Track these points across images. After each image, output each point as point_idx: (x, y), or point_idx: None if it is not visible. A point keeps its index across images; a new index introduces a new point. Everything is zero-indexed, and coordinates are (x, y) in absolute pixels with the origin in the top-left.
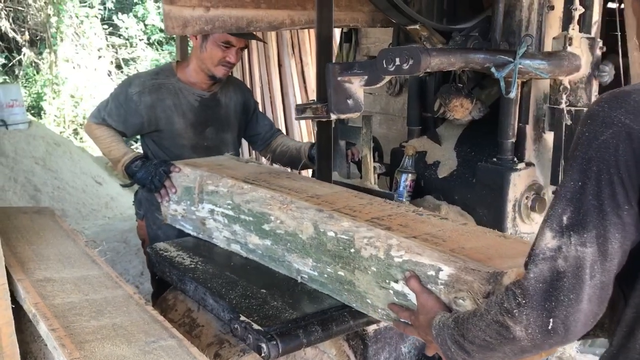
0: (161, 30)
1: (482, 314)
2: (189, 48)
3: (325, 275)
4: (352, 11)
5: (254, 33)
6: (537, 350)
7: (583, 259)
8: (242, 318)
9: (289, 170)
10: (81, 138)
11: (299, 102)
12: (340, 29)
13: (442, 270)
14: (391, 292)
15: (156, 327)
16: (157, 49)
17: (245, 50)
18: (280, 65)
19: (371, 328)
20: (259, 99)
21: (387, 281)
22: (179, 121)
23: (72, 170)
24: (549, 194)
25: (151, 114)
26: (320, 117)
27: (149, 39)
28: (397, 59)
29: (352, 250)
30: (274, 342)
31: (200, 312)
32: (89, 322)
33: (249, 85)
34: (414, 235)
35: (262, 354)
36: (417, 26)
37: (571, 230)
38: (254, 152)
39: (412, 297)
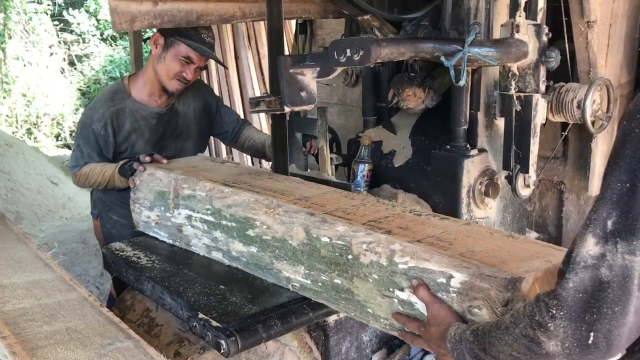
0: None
1: (507, 326)
2: (143, 45)
3: (320, 284)
4: (303, 3)
5: (215, 56)
6: None
7: (631, 268)
8: (201, 315)
9: (268, 169)
10: (35, 138)
11: (258, 94)
12: (295, 20)
13: (453, 277)
14: (395, 301)
15: (112, 329)
16: (110, 45)
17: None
18: (237, 58)
19: (332, 319)
20: (216, 93)
21: (391, 289)
22: (139, 142)
23: (25, 172)
24: (502, 179)
25: (116, 140)
26: (274, 110)
27: (102, 34)
28: (348, 50)
29: (350, 256)
30: (233, 338)
31: (159, 312)
32: (42, 327)
33: (205, 80)
34: (418, 238)
35: (222, 351)
36: (368, 17)
37: (617, 237)
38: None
39: (419, 306)
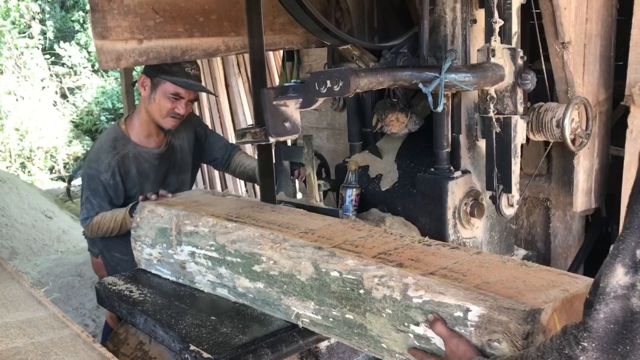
0: None
1: None
2: (134, 74)
3: (331, 319)
4: (286, 34)
5: (204, 86)
6: None
7: None
8: (192, 347)
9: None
10: (29, 172)
11: (249, 120)
12: None
13: (470, 311)
14: (411, 335)
15: None
16: (102, 76)
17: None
18: (227, 86)
19: (323, 345)
20: (207, 121)
21: (406, 324)
22: (146, 185)
23: (19, 206)
24: (486, 199)
25: (125, 187)
26: (260, 141)
27: (93, 66)
28: (328, 82)
29: (362, 291)
30: None
31: (152, 344)
32: None
33: (197, 109)
34: (430, 271)
35: None
36: (348, 46)
37: None
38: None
39: (436, 340)
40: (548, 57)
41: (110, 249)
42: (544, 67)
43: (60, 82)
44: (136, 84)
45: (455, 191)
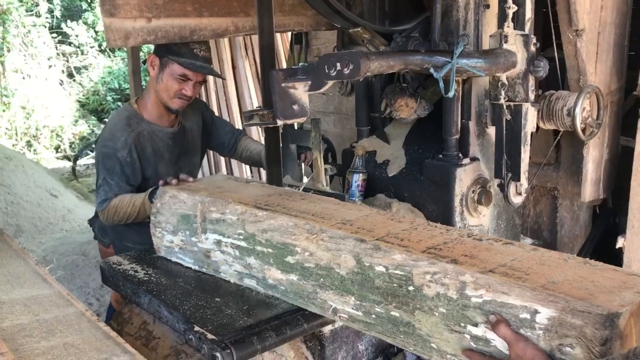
0: None
1: None
2: (141, 54)
3: (373, 316)
4: (296, 15)
5: (213, 67)
6: None
7: None
8: (197, 328)
9: (298, 190)
10: (35, 150)
11: (255, 103)
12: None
13: (539, 313)
14: (467, 336)
15: (109, 344)
16: (109, 56)
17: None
18: (234, 68)
19: (327, 329)
20: (214, 104)
21: (462, 324)
22: (161, 165)
23: (25, 184)
24: (494, 187)
25: (142, 165)
26: (267, 124)
27: (100, 45)
28: (338, 64)
29: (411, 288)
30: (228, 351)
31: (156, 324)
32: (39, 343)
33: (203, 91)
34: (489, 268)
35: None
36: (359, 29)
37: None
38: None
39: (497, 343)
40: (560, 45)
41: (123, 238)
42: (556, 54)
43: (67, 61)
44: (146, 63)
45: (463, 178)
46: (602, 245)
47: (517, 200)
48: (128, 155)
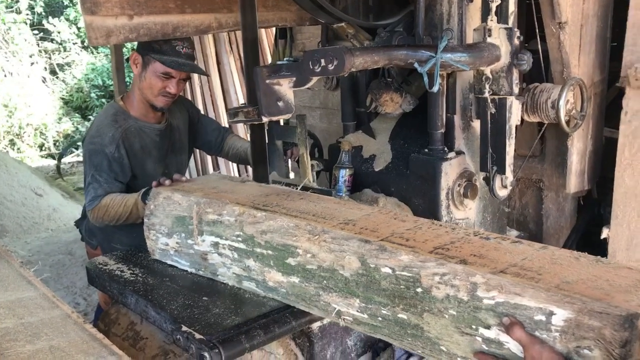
0: None
1: None
2: (124, 50)
3: (380, 319)
4: (279, 11)
5: (196, 64)
6: None
7: None
8: (184, 328)
9: (296, 189)
10: (18, 149)
11: (241, 99)
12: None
13: (555, 314)
14: (479, 339)
15: (95, 346)
16: (92, 53)
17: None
18: (219, 64)
19: (316, 325)
20: (199, 100)
21: (474, 327)
22: (148, 161)
23: (9, 184)
24: (480, 180)
25: (130, 162)
26: (252, 120)
27: (83, 42)
28: (322, 60)
29: (419, 289)
30: (216, 350)
31: (144, 325)
32: (25, 347)
33: (187, 87)
34: (500, 269)
35: None
36: (343, 24)
37: None
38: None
39: (511, 345)
40: (544, 38)
41: (111, 240)
42: (539, 47)
43: (50, 58)
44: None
45: (449, 172)
46: (588, 236)
47: (502, 193)
48: (116, 151)
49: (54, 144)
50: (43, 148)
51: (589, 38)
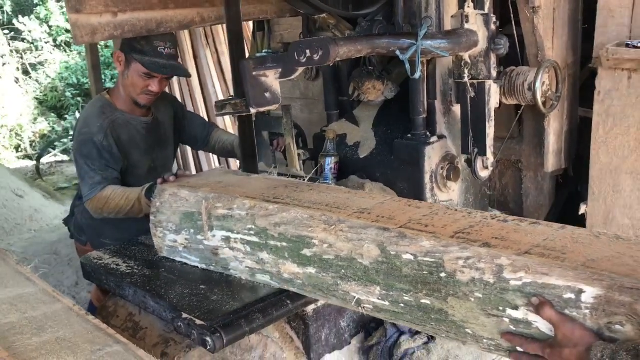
0: (67, 31)
1: None
2: (99, 49)
3: (402, 305)
4: (260, 4)
5: (178, 65)
6: None
7: None
8: (185, 315)
9: (304, 180)
10: None
11: (219, 91)
12: None
13: (584, 292)
14: (506, 320)
15: (100, 336)
16: (65, 51)
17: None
18: (195, 57)
19: (310, 308)
20: (177, 94)
21: (501, 308)
22: (135, 153)
23: None
24: (462, 162)
25: (119, 152)
26: (240, 112)
27: (55, 40)
28: (308, 51)
29: (443, 274)
30: (218, 335)
31: (142, 315)
32: (31, 339)
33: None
34: (524, 250)
35: (208, 347)
36: (324, 15)
37: None
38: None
39: (540, 325)
40: (519, 22)
41: (100, 235)
42: (514, 31)
43: (22, 58)
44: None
45: (432, 156)
46: (566, 213)
47: (484, 174)
48: (104, 139)
49: (31, 145)
50: (19, 149)
51: (562, 21)
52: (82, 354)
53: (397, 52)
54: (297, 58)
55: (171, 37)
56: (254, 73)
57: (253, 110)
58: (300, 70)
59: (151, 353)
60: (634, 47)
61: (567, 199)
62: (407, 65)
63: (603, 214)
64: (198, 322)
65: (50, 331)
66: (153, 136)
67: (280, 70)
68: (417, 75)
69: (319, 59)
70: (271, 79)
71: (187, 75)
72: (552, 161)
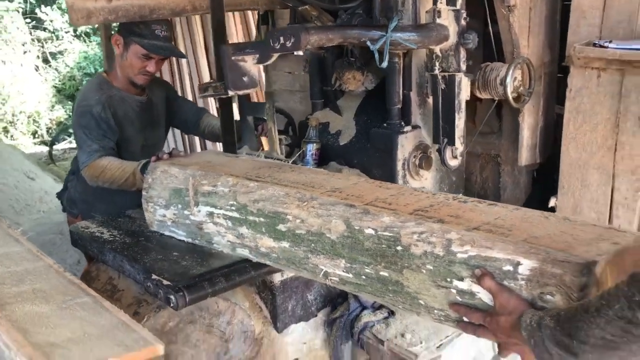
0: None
1: (598, 309)
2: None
3: (363, 277)
4: None
5: (174, 47)
6: None
7: None
8: (154, 277)
9: (289, 161)
10: (12, 136)
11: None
12: (257, 11)
13: (521, 264)
14: (453, 291)
15: (73, 289)
16: (84, 41)
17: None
18: (207, 50)
19: (277, 279)
20: (187, 86)
21: (448, 280)
22: (129, 129)
23: (2, 168)
24: (435, 152)
25: (115, 125)
26: (220, 94)
27: (75, 30)
28: (282, 38)
29: (399, 247)
30: (181, 294)
31: (121, 279)
32: (11, 289)
33: (176, 74)
34: (473, 226)
35: (171, 305)
36: (307, 7)
37: None
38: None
39: (482, 295)
40: (497, 20)
41: (91, 209)
42: (490, 29)
43: (42, 46)
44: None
45: (405, 144)
46: (543, 206)
47: (453, 163)
48: (102, 111)
49: (47, 132)
50: (36, 135)
51: (538, 20)
52: (55, 302)
53: (368, 43)
54: (272, 44)
55: (166, 21)
56: (233, 58)
57: (231, 93)
58: (276, 56)
59: (125, 312)
60: (600, 46)
61: (543, 193)
62: (376, 55)
63: (571, 207)
64: (165, 282)
65: (29, 283)
66: (146, 115)
67: (257, 55)
68: (385, 64)
69: (291, 45)
70: (249, 63)
71: (183, 56)
72: (525, 155)
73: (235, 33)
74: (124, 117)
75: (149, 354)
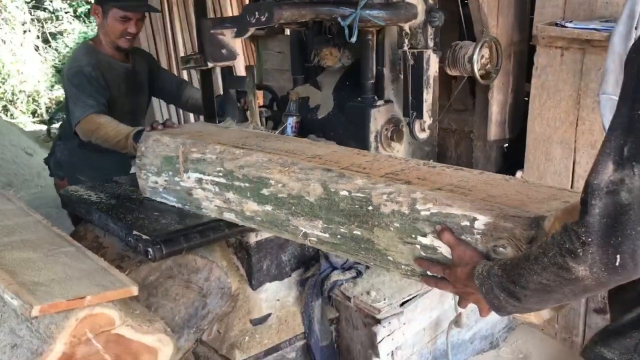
0: (87, 2)
1: (536, 257)
2: None
3: (339, 236)
4: None
5: (149, 4)
6: (602, 288)
7: None
8: (135, 232)
9: (275, 132)
10: (11, 115)
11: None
12: None
13: (477, 220)
14: (418, 247)
15: (59, 240)
16: (84, 21)
17: (168, 19)
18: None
19: (253, 240)
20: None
21: (413, 236)
22: (115, 92)
23: (1, 143)
24: (407, 126)
25: (105, 85)
26: (200, 66)
27: (75, 11)
28: (256, 13)
29: (370, 207)
30: (159, 247)
31: (106, 238)
32: (1, 239)
33: (172, 54)
34: (437, 187)
35: (149, 257)
36: None
37: (634, 161)
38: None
39: (443, 250)
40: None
41: (76, 172)
42: (460, 9)
43: (42, 27)
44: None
45: (378, 118)
46: None
47: (422, 135)
48: (93, 71)
49: (46, 111)
50: (35, 114)
51: (507, 1)
52: (41, 250)
53: (339, 19)
54: (248, 19)
55: None
56: (212, 31)
57: (210, 64)
58: (252, 30)
59: None
60: (562, 26)
61: (513, 167)
62: (346, 30)
63: (536, 180)
64: (144, 237)
65: (19, 235)
66: (131, 81)
67: (235, 29)
68: (354, 39)
69: (265, 20)
70: (228, 37)
71: (158, 11)
72: (494, 130)
73: (231, 9)
74: (112, 81)
75: (123, 294)
